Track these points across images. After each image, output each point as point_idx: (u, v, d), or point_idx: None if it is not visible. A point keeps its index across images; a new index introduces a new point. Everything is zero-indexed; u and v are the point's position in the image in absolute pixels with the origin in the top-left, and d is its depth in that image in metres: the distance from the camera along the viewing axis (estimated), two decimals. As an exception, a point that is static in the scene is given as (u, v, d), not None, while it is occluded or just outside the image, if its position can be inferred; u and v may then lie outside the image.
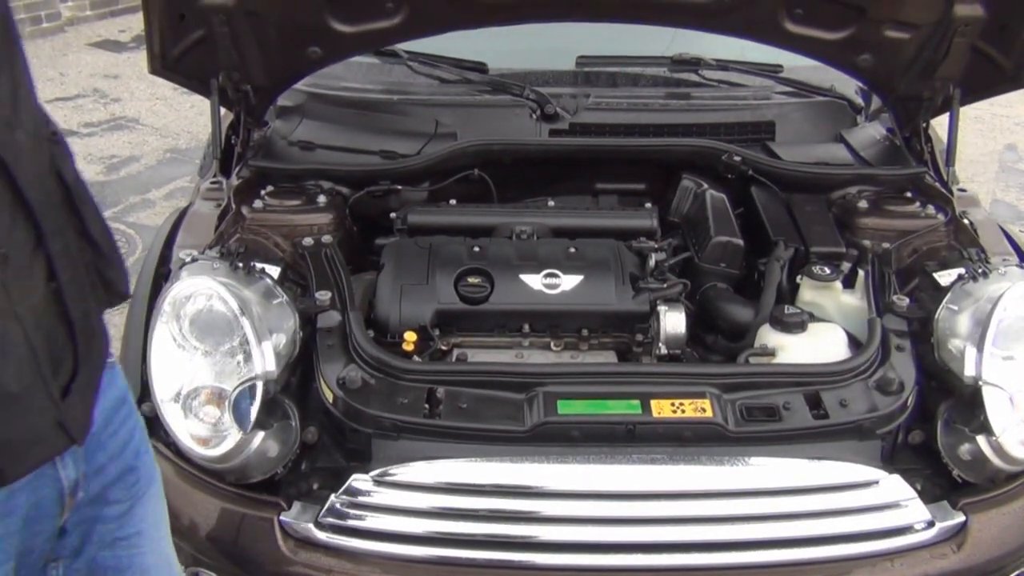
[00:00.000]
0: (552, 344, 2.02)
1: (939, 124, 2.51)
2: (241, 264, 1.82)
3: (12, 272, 1.06)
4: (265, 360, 1.66)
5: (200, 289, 1.70)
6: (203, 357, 1.68)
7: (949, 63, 2.21)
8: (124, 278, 1.31)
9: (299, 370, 1.83)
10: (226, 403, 1.65)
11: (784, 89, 2.71)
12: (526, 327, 2.02)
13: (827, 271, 2.08)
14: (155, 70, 2.17)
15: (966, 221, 2.21)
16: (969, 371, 1.74)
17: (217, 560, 1.72)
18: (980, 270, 1.91)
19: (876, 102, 2.73)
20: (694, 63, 2.70)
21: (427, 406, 1.71)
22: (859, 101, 2.75)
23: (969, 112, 2.45)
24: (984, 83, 2.31)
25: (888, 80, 2.35)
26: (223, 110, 2.37)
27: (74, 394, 1.19)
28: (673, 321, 1.96)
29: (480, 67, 2.62)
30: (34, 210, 1.10)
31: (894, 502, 1.70)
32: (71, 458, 1.24)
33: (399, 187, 2.31)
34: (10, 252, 1.06)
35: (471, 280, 2.01)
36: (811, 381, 1.78)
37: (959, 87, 2.30)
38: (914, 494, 1.70)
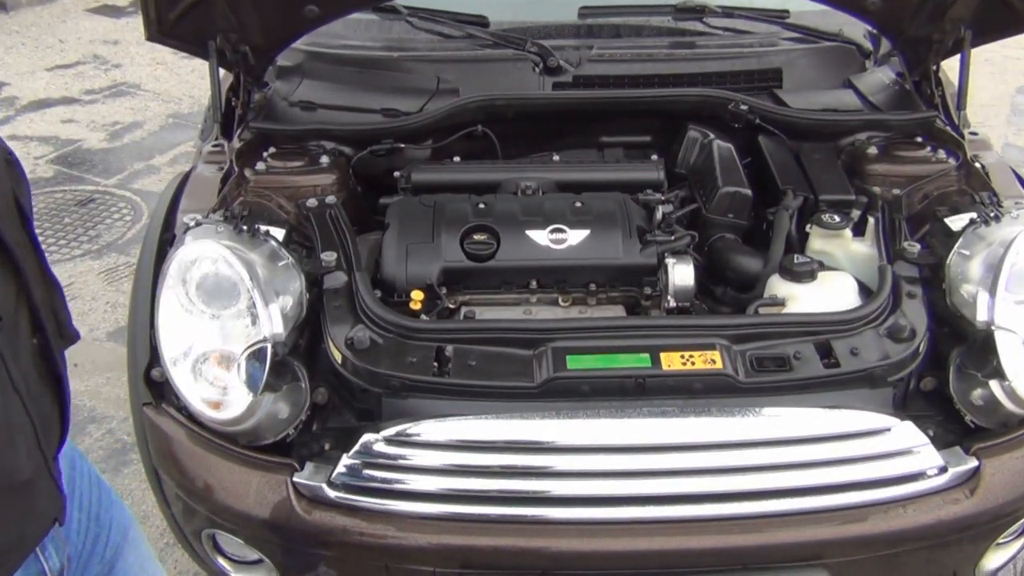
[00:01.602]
0: (560, 299, 2.01)
1: (950, 68, 2.47)
2: (245, 227, 1.81)
3: (4, 333, 0.91)
4: (272, 322, 1.66)
5: (205, 253, 1.69)
6: (210, 321, 1.67)
7: (960, 4, 2.17)
8: (70, 316, 1.15)
9: (307, 332, 1.83)
10: (235, 366, 1.65)
11: (791, 35, 2.66)
12: (533, 283, 2.01)
13: (836, 219, 2.06)
14: (152, 36, 2.14)
15: (977, 165, 2.18)
16: (981, 316, 1.72)
17: (232, 522, 1.73)
18: (992, 214, 1.89)
19: (885, 46, 2.68)
20: (699, 11, 2.65)
21: (436, 364, 1.70)
22: (868, 45, 2.70)
23: (980, 54, 2.41)
24: (996, 24, 2.26)
25: (897, 23, 2.31)
26: (223, 72, 2.34)
27: (55, 464, 1.05)
28: (681, 273, 1.95)
29: (481, 21, 2.58)
30: (13, 253, 0.95)
31: (906, 449, 1.69)
32: (51, 544, 1.11)
33: (402, 145, 2.29)
34: (1, 309, 0.91)
35: (477, 237, 1.99)
36: (821, 330, 1.76)
37: (970, 28, 2.25)
38: (927, 440, 1.70)
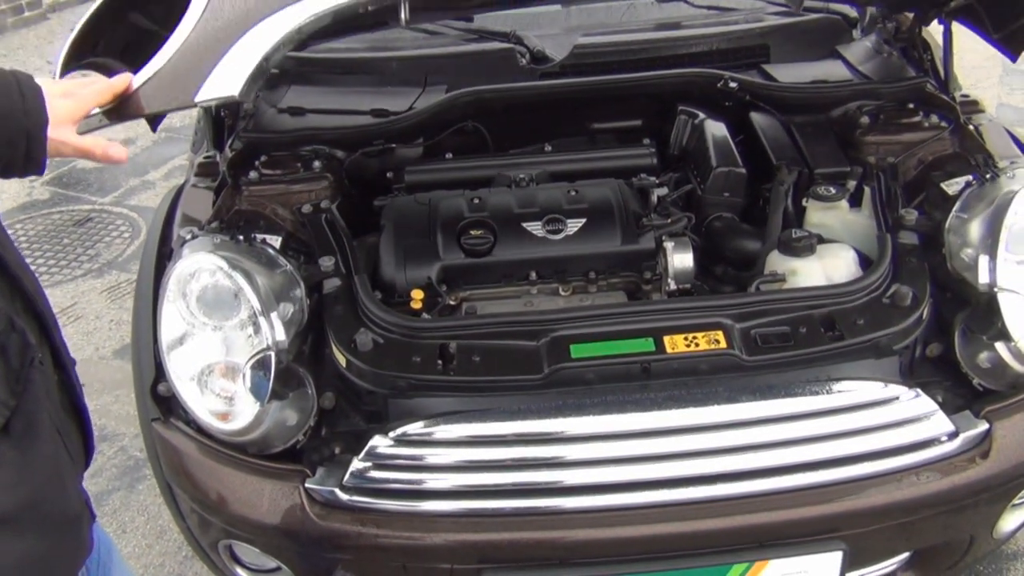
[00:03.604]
0: (560, 289, 2.01)
1: (939, 32, 2.45)
2: (242, 237, 1.81)
3: (41, 375, 0.96)
4: (274, 331, 1.66)
5: (203, 265, 1.69)
6: (213, 332, 1.67)
7: None
8: (66, 345, 1.19)
9: (310, 337, 1.83)
10: (240, 376, 1.65)
11: (776, 9, 2.65)
12: (533, 275, 2.00)
13: (832, 191, 2.05)
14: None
15: (971, 127, 2.17)
16: (983, 279, 1.71)
17: (248, 531, 1.73)
18: (988, 175, 1.88)
19: (871, 14, 2.67)
20: (682, -10, 2.64)
21: (440, 362, 1.70)
22: (853, 14, 2.69)
23: (970, 16, 2.40)
24: (973, 19, 2.24)
25: None
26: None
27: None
28: (680, 256, 1.94)
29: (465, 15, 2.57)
30: (34, 300, 1.01)
31: (916, 416, 1.69)
32: None
33: (393, 145, 2.28)
34: (35, 351, 0.96)
35: (473, 233, 1.99)
36: (824, 303, 1.76)
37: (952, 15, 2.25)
38: (936, 407, 1.69)
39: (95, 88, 1.24)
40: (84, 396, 1.18)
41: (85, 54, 1.92)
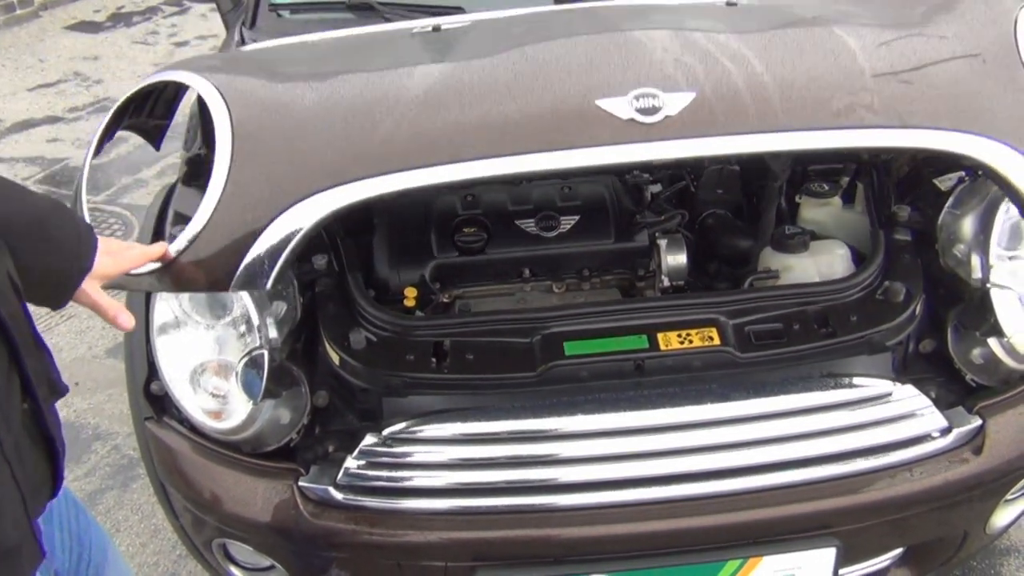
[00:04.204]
0: (554, 287, 2.01)
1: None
2: (234, 234, 1.80)
3: None
4: (267, 329, 1.65)
5: (195, 264, 1.68)
6: (205, 331, 1.67)
7: None
8: (59, 373, 1.22)
9: (304, 335, 1.82)
10: (233, 375, 1.64)
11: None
12: (526, 272, 2.00)
13: (825, 187, 2.05)
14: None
15: (964, 123, 2.17)
16: (976, 274, 1.72)
17: (241, 530, 1.73)
18: (980, 172, 1.88)
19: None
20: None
21: (434, 360, 1.70)
22: None
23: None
24: None
25: None
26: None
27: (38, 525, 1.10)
28: (673, 253, 1.94)
29: (457, 11, 2.56)
30: (6, 324, 1.01)
31: (909, 412, 1.69)
32: (40, 571, 1.15)
33: None
34: None
35: (467, 230, 1.99)
36: (817, 299, 1.76)
37: None
38: (929, 402, 1.70)
39: (133, 254, 1.37)
40: (60, 428, 1.18)
41: (122, 122, 2.05)
